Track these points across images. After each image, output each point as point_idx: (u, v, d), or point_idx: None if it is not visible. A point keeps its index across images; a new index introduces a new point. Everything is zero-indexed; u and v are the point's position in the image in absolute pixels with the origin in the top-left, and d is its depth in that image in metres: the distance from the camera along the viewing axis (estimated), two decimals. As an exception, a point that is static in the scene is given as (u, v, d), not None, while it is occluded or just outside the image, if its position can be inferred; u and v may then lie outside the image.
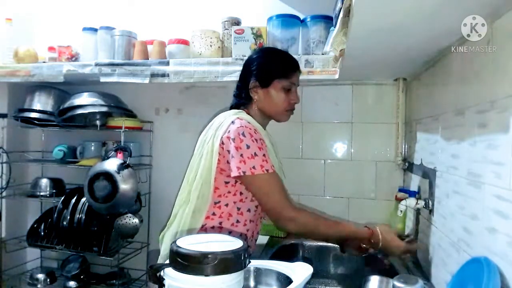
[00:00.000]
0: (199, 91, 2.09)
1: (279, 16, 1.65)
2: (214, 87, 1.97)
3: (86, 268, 2.10)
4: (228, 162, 1.17)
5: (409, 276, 1.14)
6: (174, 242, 0.76)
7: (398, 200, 1.56)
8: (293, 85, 1.29)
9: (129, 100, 2.10)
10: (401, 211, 1.41)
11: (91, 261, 2.15)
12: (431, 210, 1.33)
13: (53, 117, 2.02)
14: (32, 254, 2.28)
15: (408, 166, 1.77)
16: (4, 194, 2.09)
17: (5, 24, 2.04)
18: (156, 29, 2.02)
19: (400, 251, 1.27)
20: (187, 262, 0.70)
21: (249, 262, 0.77)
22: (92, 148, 2.13)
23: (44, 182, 2.14)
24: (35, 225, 2.07)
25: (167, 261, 0.75)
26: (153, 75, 1.75)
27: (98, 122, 2.06)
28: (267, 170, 1.15)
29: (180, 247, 0.73)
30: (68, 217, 1.92)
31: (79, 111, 1.92)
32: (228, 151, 1.16)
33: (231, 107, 1.34)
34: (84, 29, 1.98)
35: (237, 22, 1.76)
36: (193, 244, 0.74)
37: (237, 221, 1.23)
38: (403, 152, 1.85)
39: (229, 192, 1.21)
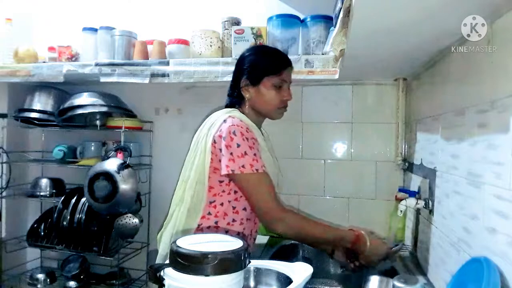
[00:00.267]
0: (199, 91, 2.09)
1: (279, 16, 1.65)
2: (214, 87, 1.97)
3: (86, 268, 2.09)
4: (220, 161, 1.17)
5: (409, 276, 1.14)
6: (174, 242, 0.76)
7: (398, 200, 1.56)
8: (284, 82, 1.28)
9: (129, 100, 2.09)
10: (401, 211, 1.41)
11: (91, 261, 2.15)
12: (431, 210, 1.33)
13: (53, 117, 2.02)
14: (32, 254, 2.28)
15: (408, 166, 1.77)
16: (4, 194, 2.09)
17: (5, 24, 2.04)
18: (156, 29, 2.02)
19: (382, 255, 1.25)
20: (187, 262, 0.70)
21: (249, 262, 0.77)
22: (92, 148, 2.13)
23: (44, 182, 2.14)
24: (35, 225, 2.08)
25: (167, 261, 0.75)
26: (153, 75, 1.75)
27: (98, 122, 2.06)
28: (256, 170, 1.15)
29: (180, 247, 0.72)
30: (68, 217, 1.92)
31: (79, 111, 1.92)
32: (220, 150, 1.16)
33: (226, 107, 1.34)
34: (84, 29, 1.98)
35: (237, 22, 1.76)
36: (193, 244, 0.74)
37: (233, 220, 1.23)
38: (403, 152, 1.85)
39: (223, 191, 1.21)
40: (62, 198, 1.99)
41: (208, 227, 1.21)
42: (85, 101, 1.93)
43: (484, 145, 0.89)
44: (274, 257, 1.59)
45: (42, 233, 2.05)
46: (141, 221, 1.92)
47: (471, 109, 0.98)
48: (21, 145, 2.24)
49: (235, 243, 0.77)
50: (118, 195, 1.75)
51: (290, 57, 1.36)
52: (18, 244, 2.12)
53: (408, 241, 1.70)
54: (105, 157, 1.89)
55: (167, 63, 1.74)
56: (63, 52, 1.98)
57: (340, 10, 1.10)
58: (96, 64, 1.82)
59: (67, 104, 1.94)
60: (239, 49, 1.66)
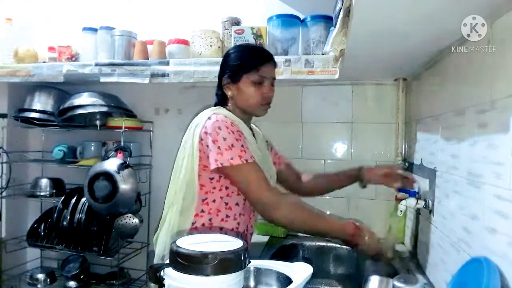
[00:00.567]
0: (199, 91, 2.09)
1: (279, 16, 1.65)
2: (214, 87, 1.96)
3: (86, 268, 2.09)
4: (208, 158, 1.16)
5: (409, 276, 1.14)
6: (174, 242, 0.76)
7: (398, 200, 1.56)
8: (264, 78, 1.26)
9: (129, 100, 2.09)
10: (401, 211, 1.41)
11: (91, 261, 2.14)
12: (431, 210, 1.33)
13: (53, 117, 2.02)
14: (32, 254, 2.28)
15: (408, 166, 1.77)
16: (4, 194, 2.09)
17: (5, 24, 2.04)
18: (156, 29, 2.02)
19: (373, 253, 1.24)
20: (187, 262, 0.70)
21: (249, 262, 0.77)
22: (92, 148, 2.13)
23: (44, 182, 2.14)
24: (35, 225, 2.08)
25: (167, 261, 0.75)
26: (153, 75, 1.75)
27: (98, 122, 2.06)
28: (246, 160, 1.13)
29: (180, 247, 0.72)
30: (68, 217, 1.92)
31: (79, 111, 1.92)
32: (207, 146, 1.16)
33: (214, 106, 1.34)
34: (84, 29, 1.98)
35: (237, 22, 1.76)
36: (193, 244, 0.74)
37: (227, 216, 1.23)
38: (403, 152, 1.85)
39: (214, 188, 1.21)
40: (62, 198, 1.99)
41: (203, 225, 1.20)
42: (85, 101, 1.93)
43: (484, 145, 0.89)
44: (274, 257, 1.59)
45: (42, 233, 2.05)
46: (141, 221, 1.92)
47: (471, 109, 0.98)
48: (21, 145, 2.24)
49: (235, 243, 0.77)
50: (118, 195, 1.75)
51: (290, 57, 1.36)
52: (18, 244, 2.12)
53: (408, 241, 1.70)
54: (105, 157, 1.89)
55: (167, 63, 1.74)
56: (63, 52, 1.98)
57: (340, 10, 1.10)
58: (96, 64, 1.82)
59: (67, 104, 1.94)
60: (239, 49, 1.66)
